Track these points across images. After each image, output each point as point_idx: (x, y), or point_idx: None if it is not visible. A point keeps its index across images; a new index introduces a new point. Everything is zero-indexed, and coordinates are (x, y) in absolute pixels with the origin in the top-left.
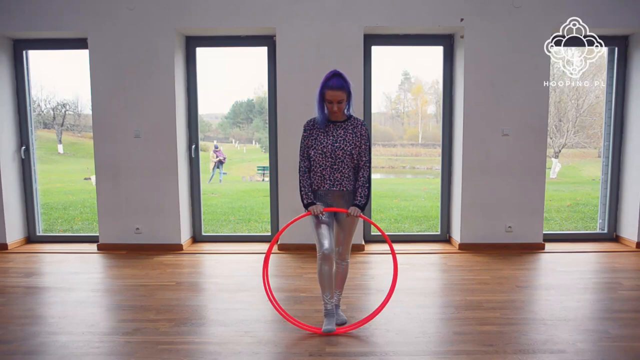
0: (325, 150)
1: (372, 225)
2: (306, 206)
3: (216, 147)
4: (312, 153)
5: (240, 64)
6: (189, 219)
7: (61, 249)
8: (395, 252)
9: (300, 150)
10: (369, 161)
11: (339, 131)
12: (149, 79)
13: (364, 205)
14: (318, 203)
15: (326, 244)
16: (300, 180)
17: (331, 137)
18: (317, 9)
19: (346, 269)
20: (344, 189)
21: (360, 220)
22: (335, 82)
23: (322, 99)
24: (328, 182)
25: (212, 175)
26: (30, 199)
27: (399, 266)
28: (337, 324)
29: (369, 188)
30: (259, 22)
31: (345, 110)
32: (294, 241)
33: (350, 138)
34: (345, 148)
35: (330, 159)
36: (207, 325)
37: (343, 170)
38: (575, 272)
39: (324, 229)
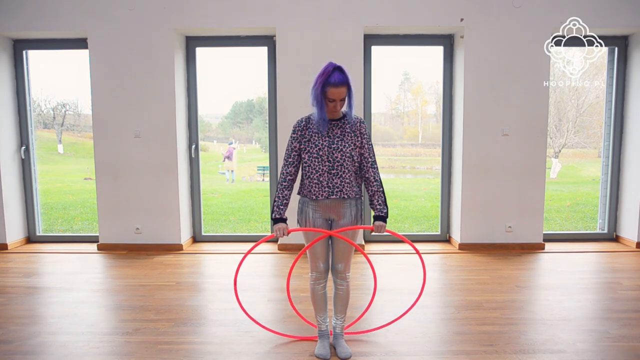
0: (321, 153)
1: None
2: (274, 221)
3: (230, 143)
4: (307, 157)
5: (240, 64)
6: (189, 219)
7: (61, 249)
8: (395, 252)
9: (286, 152)
10: (375, 162)
11: (336, 130)
12: (149, 79)
13: (387, 214)
14: (316, 212)
15: (321, 265)
16: (277, 188)
17: (327, 138)
18: (317, 9)
19: (348, 291)
20: (345, 196)
21: (359, 216)
22: (338, 78)
23: (323, 96)
24: (327, 189)
25: (226, 174)
26: (30, 199)
27: (398, 266)
28: (341, 359)
29: (384, 193)
30: (259, 22)
31: (345, 108)
32: (294, 241)
33: (349, 138)
34: (344, 150)
35: (327, 162)
36: (207, 325)
37: (343, 175)
38: (575, 272)
39: (318, 246)
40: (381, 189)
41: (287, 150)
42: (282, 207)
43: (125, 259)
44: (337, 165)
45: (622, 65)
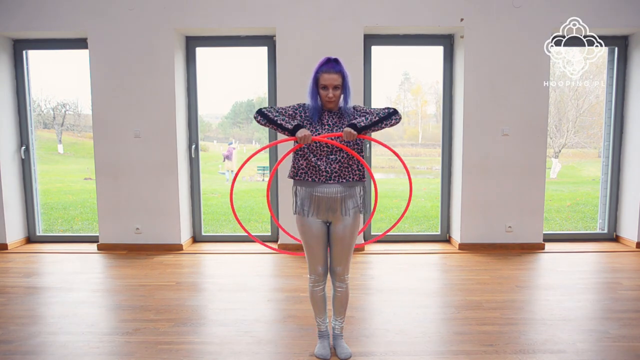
0: (319, 147)
1: (371, 226)
2: (292, 131)
3: (230, 143)
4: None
5: (240, 64)
6: (189, 219)
7: (61, 249)
8: (395, 252)
9: (279, 108)
10: (385, 108)
11: (334, 119)
12: (149, 79)
13: (362, 128)
14: (309, 212)
15: (319, 268)
16: (267, 117)
17: (326, 126)
18: (317, 9)
19: (347, 293)
20: (344, 180)
21: (358, 220)
22: (331, 66)
23: (316, 86)
24: (324, 174)
25: (226, 174)
26: (30, 199)
27: (397, 266)
28: (342, 359)
29: (381, 121)
30: (259, 22)
31: (342, 103)
32: (294, 241)
33: (347, 123)
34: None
35: (326, 147)
36: (207, 325)
37: (342, 160)
38: (575, 272)
39: (317, 248)
40: (380, 116)
41: (280, 108)
42: (286, 118)
43: (125, 259)
44: (335, 150)
45: (622, 65)
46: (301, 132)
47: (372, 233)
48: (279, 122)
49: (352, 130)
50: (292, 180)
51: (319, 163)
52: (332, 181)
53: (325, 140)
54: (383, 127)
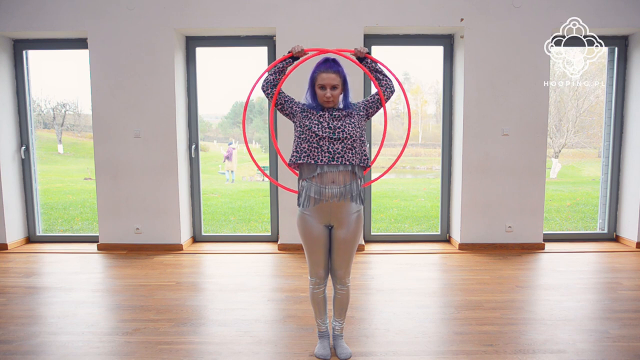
0: (322, 126)
1: (372, 227)
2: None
3: (230, 144)
4: (308, 123)
5: (240, 64)
6: (189, 219)
7: (61, 249)
8: (395, 252)
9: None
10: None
11: (336, 113)
12: (149, 79)
13: (370, 54)
14: (310, 212)
15: (321, 271)
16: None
17: (325, 123)
18: (317, 9)
19: (347, 295)
20: (347, 162)
21: (361, 224)
22: (329, 65)
23: (313, 86)
24: (327, 154)
25: (226, 174)
26: (30, 199)
27: (397, 266)
28: (342, 359)
29: (384, 72)
30: (259, 22)
31: (342, 103)
32: (294, 241)
33: (353, 114)
34: (345, 120)
35: (328, 129)
36: (207, 325)
37: (345, 141)
38: (575, 272)
39: (318, 252)
40: (386, 75)
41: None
42: (291, 101)
43: (125, 259)
44: (338, 132)
45: (622, 65)
46: (294, 47)
47: (373, 233)
48: (273, 64)
49: (365, 48)
50: (294, 176)
51: (321, 143)
52: (336, 162)
53: (331, 51)
54: (383, 78)
